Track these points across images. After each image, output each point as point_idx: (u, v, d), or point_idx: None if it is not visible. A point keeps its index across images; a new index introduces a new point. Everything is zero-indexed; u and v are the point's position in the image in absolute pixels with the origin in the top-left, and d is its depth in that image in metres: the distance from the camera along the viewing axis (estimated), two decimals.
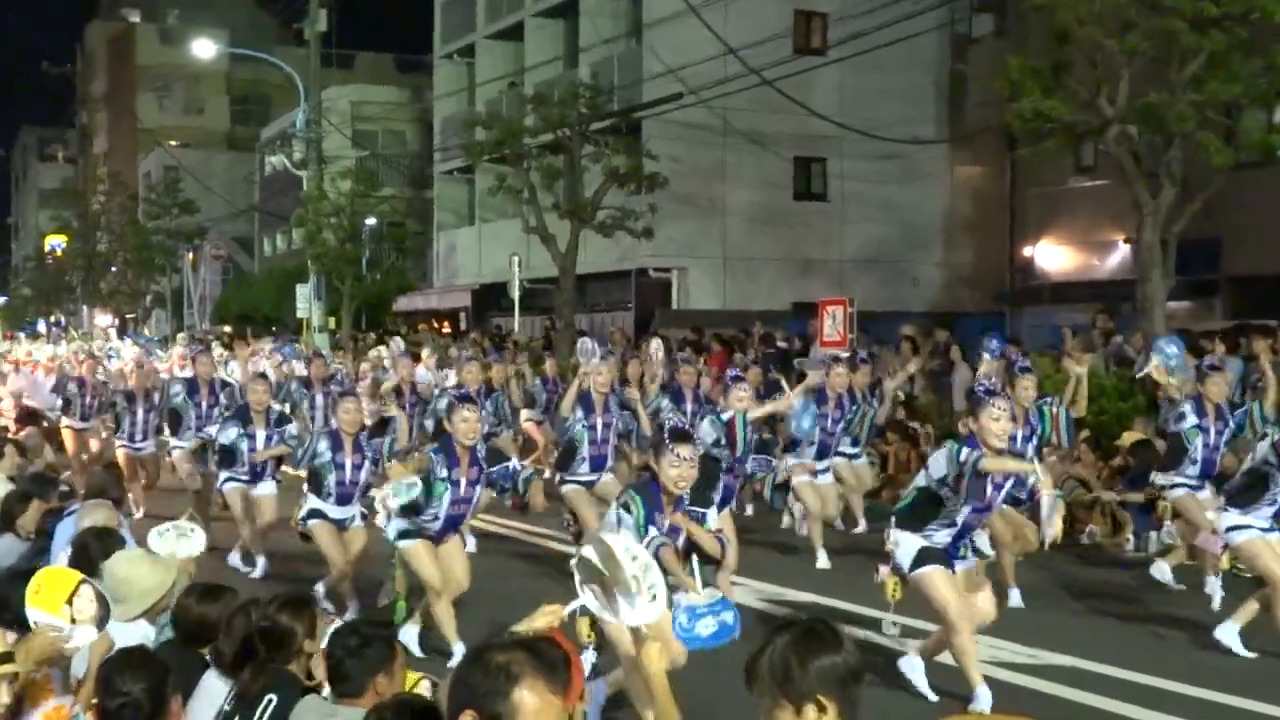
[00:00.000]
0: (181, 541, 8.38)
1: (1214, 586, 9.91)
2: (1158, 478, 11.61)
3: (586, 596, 5.02)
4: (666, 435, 7.10)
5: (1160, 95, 16.68)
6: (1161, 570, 11.17)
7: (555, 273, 28.50)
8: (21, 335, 46.53)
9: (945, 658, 7.99)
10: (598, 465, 11.90)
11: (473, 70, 39.65)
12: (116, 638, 5.57)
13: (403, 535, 8.98)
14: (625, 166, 28.05)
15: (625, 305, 32.45)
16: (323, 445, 10.55)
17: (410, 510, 8.84)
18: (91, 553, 6.45)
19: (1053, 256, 28.20)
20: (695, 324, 25.47)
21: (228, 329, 43.13)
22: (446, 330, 36.79)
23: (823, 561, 12.51)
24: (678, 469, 6.83)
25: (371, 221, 39.31)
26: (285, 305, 40.42)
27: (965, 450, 7.60)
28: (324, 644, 4.82)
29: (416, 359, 22.37)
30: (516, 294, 30.38)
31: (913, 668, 8.11)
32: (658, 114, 29.73)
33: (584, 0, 33.86)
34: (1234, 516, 9.09)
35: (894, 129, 28.81)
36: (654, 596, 5.30)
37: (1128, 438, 14.29)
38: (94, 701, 4.83)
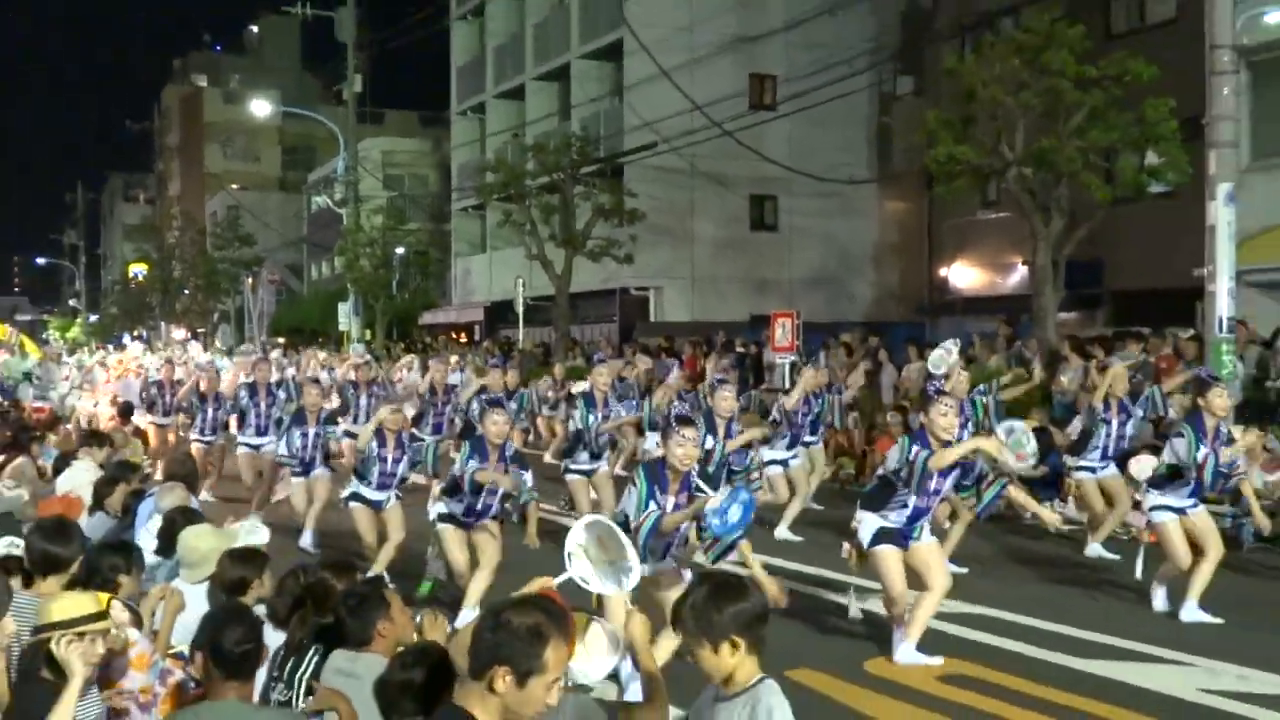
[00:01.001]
0: (249, 538, 8.37)
1: (1138, 558, 9.55)
2: (1067, 459, 11.71)
3: (574, 570, 5.01)
4: (673, 420, 6.90)
5: (1050, 142, 16.74)
6: (1096, 550, 11.04)
7: (553, 292, 28.50)
8: (110, 347, 46.29)
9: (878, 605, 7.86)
10: (597, 454, 11.73)
11: (484, 124, 39.60)
12: (186, 596, 5.58)
13: (441, 519, 8.83)
14: (610, 204, 28.04)
15: (610, 319, 32.42)
16: (372, 442, 10.22)
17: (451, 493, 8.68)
18: (176, 528, 6.44)
19: (964, 275, 28.22)
20: (668, 334, 25.48)
21: (281, 340, 43.00)
22: (464, 340, 36.74)
23: (783, 533, 12.21)
24: (683, 448, 6.65)
25: (400, 250, 39.24)
26: (329, 320, 40.31)
27: (915, 448, 7.47)
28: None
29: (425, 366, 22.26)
30: (521, 309, 30.33)
31: (908, 654, 7.66)
32: (636, 160, 29.72)
33: (575, 66, 33.87)
34: (1155, 497, 8.89)
35: (833, 171, 28.82)
36: (628, 571, 5.30)
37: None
38: (182, 650, 4.84)
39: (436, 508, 8.98)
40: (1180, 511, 8.75)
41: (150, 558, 6.41)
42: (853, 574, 8.31)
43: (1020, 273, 24.28)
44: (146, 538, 6.88)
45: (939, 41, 27.08)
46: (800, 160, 28.59)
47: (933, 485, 7.60)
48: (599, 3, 32.44)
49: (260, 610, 5.07)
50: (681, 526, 6.77)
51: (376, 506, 10.25)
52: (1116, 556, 10.85)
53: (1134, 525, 9.85)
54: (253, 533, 7.97)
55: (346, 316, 36.07)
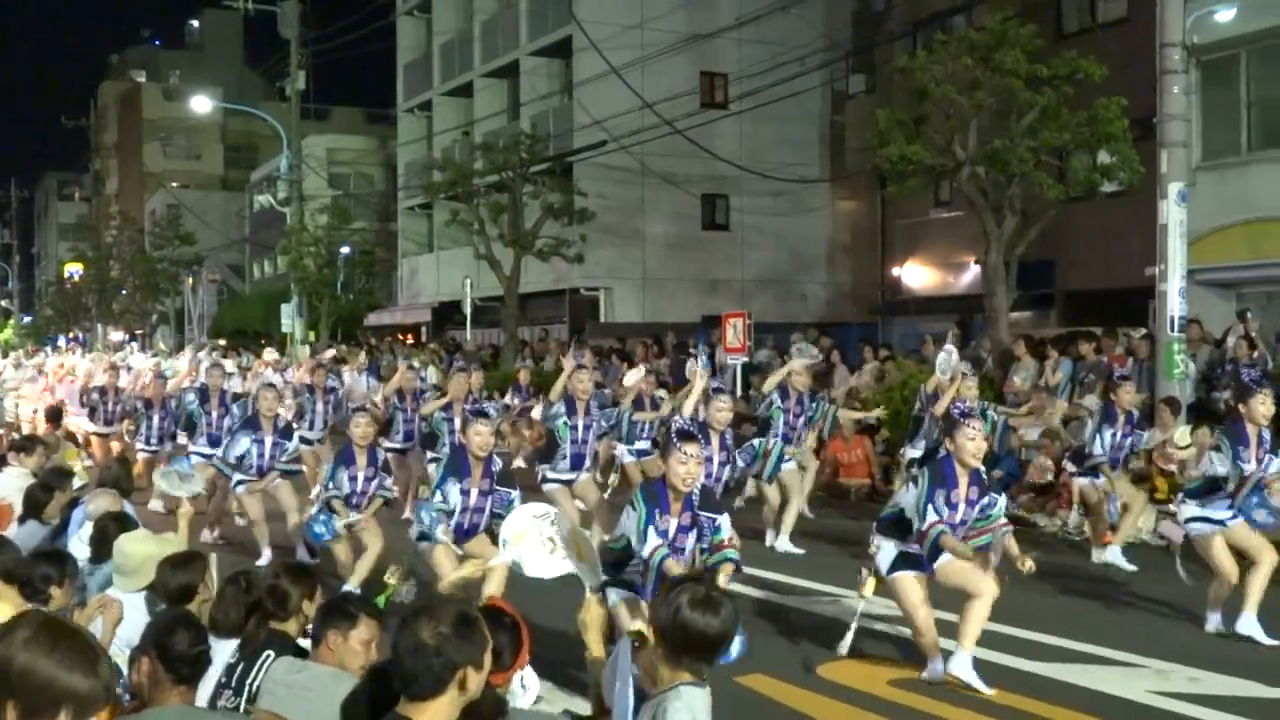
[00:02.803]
0: (183, 485, 8.25)
1: (1179, 567, 8.99)
2: (1068, 465, 11.79)
3: (508, 552, 5.05)
4: (674, 435, 6.45)
5: (1003, 142, 16.87)
6: (1115, 554, 10.99)
7: (501, 292, 28.40)
8: (48, 349, 45.65)
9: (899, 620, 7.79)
10: (577, 463, 11.22)
11: (430, 122, 39.41)
12: (125, 607, 5.50)
13: (422, 538, 8.25)
14: (559, 203, 28.01)
15: (560, 319, 32.36)
16: (336, 464, 9.79)
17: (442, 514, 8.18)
18: (108, 534, 6.35)
19: (916, 275, 28.43)
20: (619, 334, 25.50)
21: (222, 342, 42.61)
22: (410, 341, 36.54)
23: (784, 545, 11.92)
24: (685, 465, 6.23)
25: (345, 250, 38.98)
26: (272, 321, 39.99)
27: (936, 492, 7.08)
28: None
29: (342, 362, 22.03)
30: (469, 310, 30.19)
31: (963, 666, 7.22)
32: (586, 158, 29.70)
33: (524, 63, 33.79)
34: (1193, 508, 8.54)
35: (784, 170, 28.98)
36: (564, 557, 5.34)
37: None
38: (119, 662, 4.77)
39: (415, 528, 8.40)
40: (1220, 524, 8.42)
41: (85, 565, 6.32)
42: (862, 597, 7.79)
43: (973, 272, 24.48)
44: (79, 545, 6.78)
45: (891, 40, 27.27)
46: (752, 159, 28.71)
47: (959, 517, 7.20)
48: None
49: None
50: (686, 549, 6.40)
51: (348, 527, 9.77)
52: (1134, 567, 10.81)
53: (1169, 538, 9.43)
54: (187, 478, 7.83)
55: (290, 318, 35.77)
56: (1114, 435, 10.87)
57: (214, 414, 13.80)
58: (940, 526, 7.07)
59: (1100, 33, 22.11)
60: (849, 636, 7.78)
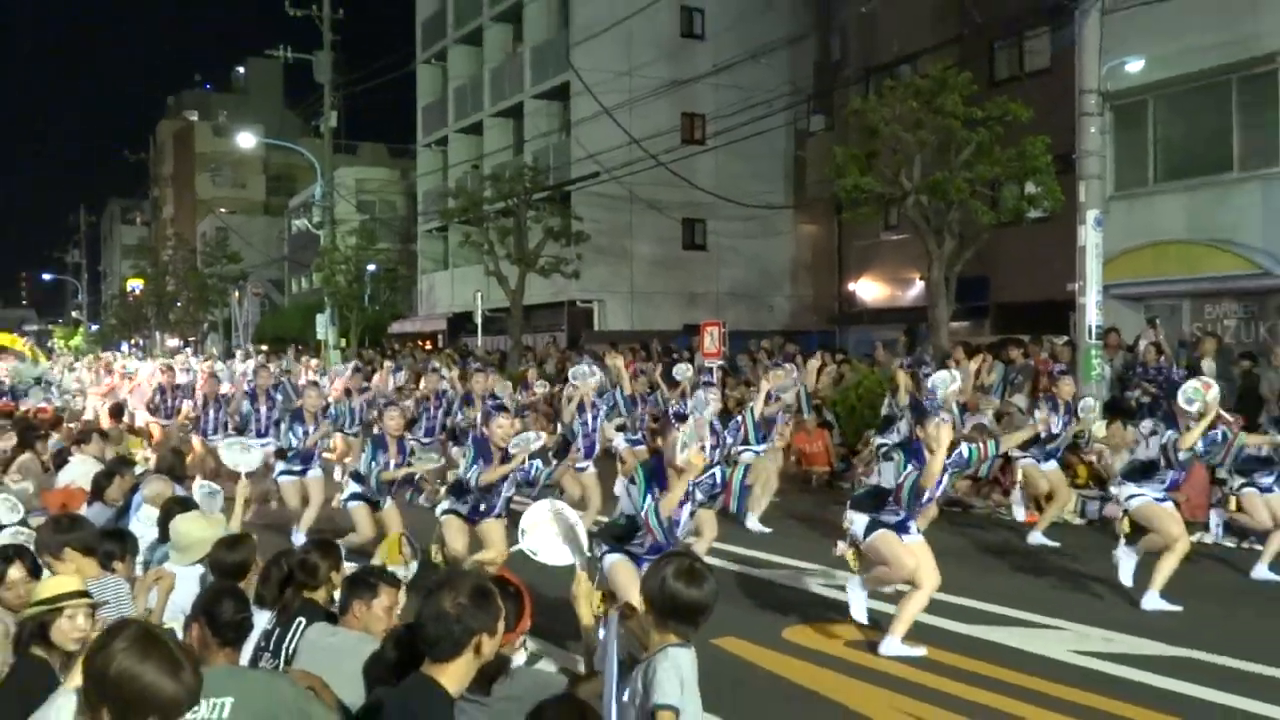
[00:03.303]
0: (244, 455, 8.25)
1: (1121, 553, 8.75)
2: (1014, 453, 11.64)
3: (525, 540, 5.02)
4: (673, 418, 6.34)
5: (943, 174, 16.91)
6: (1037, 538, 10.90)
7: (508, 304, 28.35)
8: (116, 353, 45.47)
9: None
10: (589, 453, 11.25)
11: (446, 156, 39.33)
12: (178, 579, 5.48)
13: (446, 512, 8.29)
14: (558, 226, 27.98)
15: (559, 328, 32.30)
16: (372, 448, 9.57)
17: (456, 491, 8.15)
18: (173, 515, 6.32)
19: (869, 290, 28.44)
20: (611, 341, 25.43)
21: (264, 347, 42.49)
22: (429, 347, 36.43)
23: (754, 525, 11.76)
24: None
25: (371, 267, 38.83)
26: (308, 330, 39.81)
27: (910, 467, 6.98)
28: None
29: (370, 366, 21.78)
30: (479, 320, 30.15)
31: (892, 647, 7.12)
32: (582, 188, 29.67)
33: (527, 105, 33.77)
34: (1130, 488, 8.45)
35: (754, 198, 29.00)
36: (578, 549, 5.28)
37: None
38: (172, 628, 4.75)
39: (443, 504, 8.43)
40: (1156, 500, 8.36)
41: (149, 542, 6.32)
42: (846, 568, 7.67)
43: (918, 287, 24.51)
44: (138, 525, 6.76)
45: (847, 85, 27.29)
46: (726, 188, 28.71)
47: (926, 495, 7.19)
48: (548, 50, 32.38)
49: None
50: (684, 514, 6.26)
51: (375, 505, 9.61)
52: (1057, 544, 10.75)
53: (1113, 519, 9.35)
54: (248, 450, 7.79)
55: (324, 326, 35.69)
56: (1057, 423, 10.76)
57: (263, 410, 13.51)
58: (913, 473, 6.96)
59: (1027, 80, 22.17)
60: (861, 607, 7.67)
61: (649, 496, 6.07)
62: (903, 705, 6.32)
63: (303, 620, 4.63)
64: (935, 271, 17.53)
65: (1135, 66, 16.98)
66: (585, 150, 28.90)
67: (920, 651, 7.07)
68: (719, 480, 6.28)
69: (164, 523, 6.42)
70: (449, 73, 39.08)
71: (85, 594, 4.26)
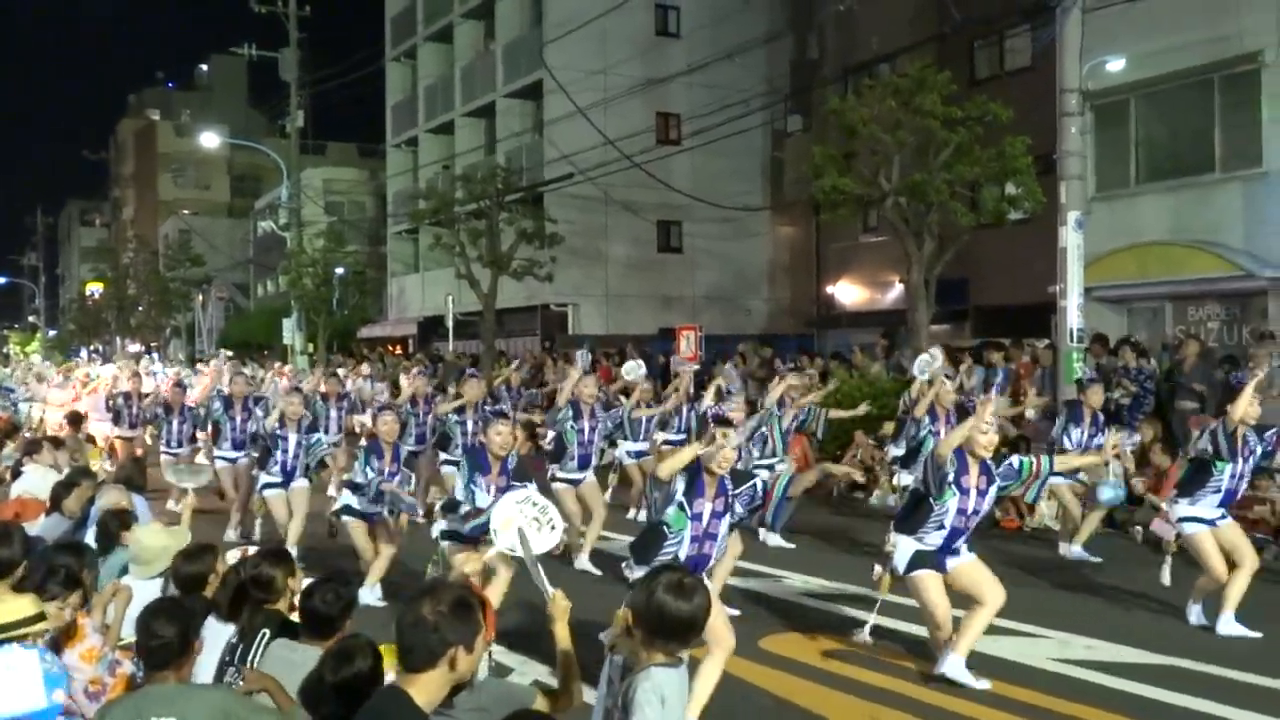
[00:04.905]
0: (191, 475, 8.14)
1: (1166, 568, 8.45)
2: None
3: (501, 541, 4.99)
4: (712, 421, 6.09)
5: (922, 175, 16.96)
6: (1076, 551, 10.62)
7: (480, 308, 28.28)
8: (76, 359, 45.08)
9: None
10: (584, 464, 10.63)
11: (416, 156, 39.24)
12: (136, 592, 5.44)
13: (444, 534, 7.85)
14: (531, 228, 27.90)
15: (533, 332, 32.27)
16: (367, 455, 9.21)
17: (451, 510, 7.80)
18: (110, 529, 6.27)
19: (847, 293, 28.55)
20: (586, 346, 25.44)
21: (229, 353, 42.23)
22: (399, 352, 36.33)
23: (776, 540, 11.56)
24: (722, 450, 5.91)
25: (340, 270, 38.65)
26: (274, 335, 39.65)
27: (948, 495, 6.62)
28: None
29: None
30: (451, 324, 30.06)
31: (956, 668, 6.76)
32: (555, 189, 29.62)
33: (499, 104, 33.72)
34: (1184, 507, 7.93)
35: (731, 200, 29.02)
36: (553, 527, 5.24)
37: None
38: (132, 642, 4.70)
39: (438, 525, 8.06)
40: (1211, 523, 7.91)
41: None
42: (880, 592, 7.34)
43: (897, 290, 24.63)
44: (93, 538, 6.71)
45: (825, 85, 27.41)
46: (702, 189, 28.74)
47: (970, 505, 6.71)
48: (521, 47, 32.36)
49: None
50: (722, 527, 6.00)
51: (370, 520, 9.28)
52: (1099, 559, 10.48)
53: (1161, 535, 8.87)
54: (196, 473, 7.71)
55: (290, 331, 35.54)
56: (1081, 433, 10.53)
57: (238, 419, 13.01)
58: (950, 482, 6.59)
59: (1007, 79, 22.34)
60: (869, 624, 7.40)
61: (681, 505, 5.87)
62: (881, 715, 6.35)
63: (266, 632, 4.61)
64: (915, 274, 17.59)
65: (1116, 65, 17.10)
66: (559, 150, 28.89)
67: (984, 684, 6.71)
68: (760, 492, 6.00)
69: (101, 536, 6.35)
70: (419, 71, 39.00)
71: (41, 617, 4.23)
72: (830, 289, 29.04)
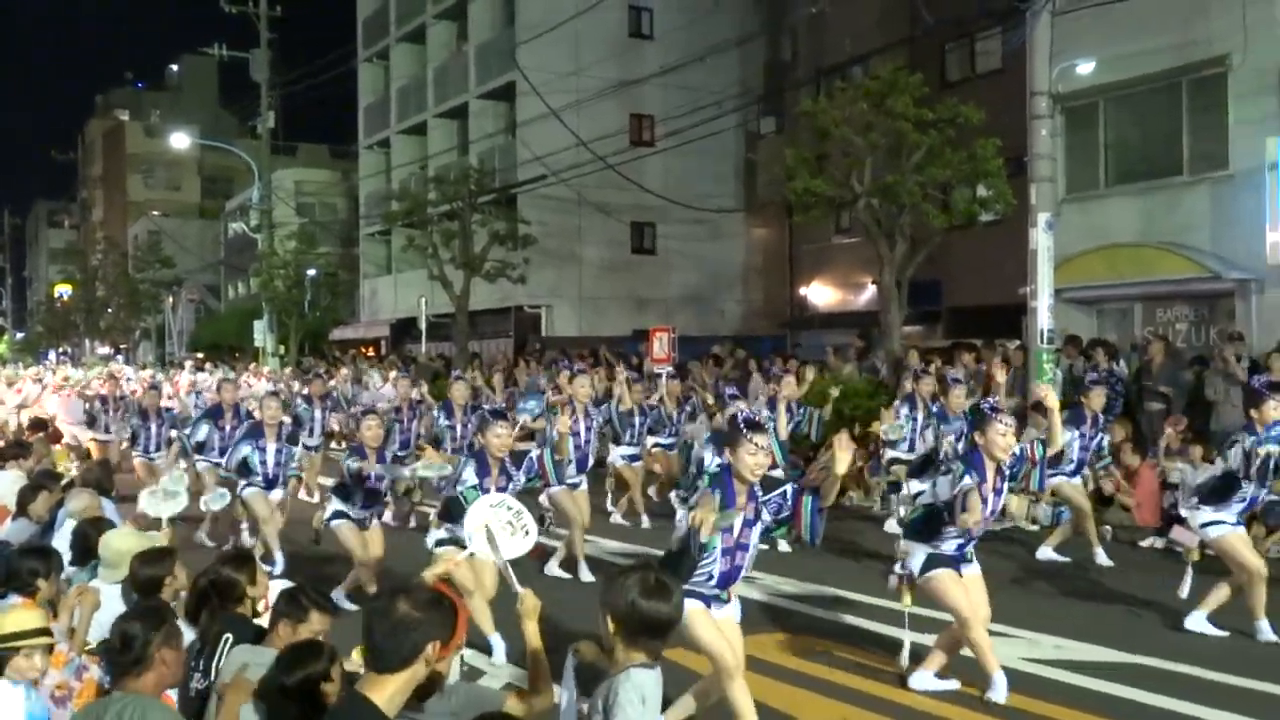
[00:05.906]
0: (167, 502, 8.04)
1: (1186, 580, 8.10)
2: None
3: (474, 544, 4.96)
4: (742, 425, 5.61)
5: (894, 177, 17.06)
6: (1045, 553, 10.67)
7: (453, 309, 28.26)
8: (45, 362, 44.63)
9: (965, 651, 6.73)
10: (581, 466, 10.37)
11: (389, 157, 39.13)
12: (105, 596, 5.39)
13: (440, 543, 7.49)
14: (504, 230, 27.91)
15: (506, 334, 32.24)
16: (351, 459, 9.00)
17: (446, 519, 7.53)
18: (89, 540, 6.20)
19: (820, 294, 28.64)
20: (560, 347, 25.41)
21: (200, 355, 41.99)
22: (371, 354, 36.20)
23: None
24: (754, 456, 5.48)
25: (312, 272, 38.54)
26: (245, 337, 39.43)
27: (967, 477, 6.41)
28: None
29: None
30: (424, 326, 29.98)
31: (923, 681, 6.77)
32: (528, 190, 29.61)
33: (472, 105, 33.68)
34: (1208, 513, 7.79)
35: (704, 201, 29.10)
36: (526, 533, 5.21)
37: (876, 427, 14.27)
38: (98, 646, 4.67)
39: (433, 535, 7.74)
40: (1235, 525, 7.80)
41: (67, 568, 6.13)
42: (900, 604, 7.03)
43: (869, 291, 24.70)
44: (63, 541, 6.63)
45: (798, 87, 27.48)
46: (676, 191, 28.79)
47: (989, 509, 6.59)
48: (493, 49, 32.32)
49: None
50: (753, 537, 5.63)
51: (361, 525, 9.06)
52: (1068, 559, 10.55)
53: (1181, 544, 8.57)
54: (171, 497, 7.63)
55: (261, 333, 35.39)
56: (1083, 436, 10.47)
57: (227, 426, 12.52)
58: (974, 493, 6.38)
59: (978, 82, 22.45)
60: (906, 647, 7.03)
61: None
62: (852, 717, 6.36)
63: (230, 637, 4.57)
64: (887, 276, 17.66)
65: (1086, 68, 17.24)
66: (532, 152, 28.87)
67: (952, 685, 6.73)
68: (789, 499, 5.67)
69: (80, 546, 6.25)
70: (391, 72, 38.89)
71: (46, 631, 4.20)
72: (803, 290, 29.11)
